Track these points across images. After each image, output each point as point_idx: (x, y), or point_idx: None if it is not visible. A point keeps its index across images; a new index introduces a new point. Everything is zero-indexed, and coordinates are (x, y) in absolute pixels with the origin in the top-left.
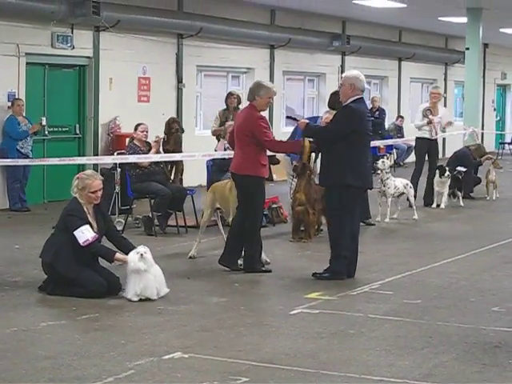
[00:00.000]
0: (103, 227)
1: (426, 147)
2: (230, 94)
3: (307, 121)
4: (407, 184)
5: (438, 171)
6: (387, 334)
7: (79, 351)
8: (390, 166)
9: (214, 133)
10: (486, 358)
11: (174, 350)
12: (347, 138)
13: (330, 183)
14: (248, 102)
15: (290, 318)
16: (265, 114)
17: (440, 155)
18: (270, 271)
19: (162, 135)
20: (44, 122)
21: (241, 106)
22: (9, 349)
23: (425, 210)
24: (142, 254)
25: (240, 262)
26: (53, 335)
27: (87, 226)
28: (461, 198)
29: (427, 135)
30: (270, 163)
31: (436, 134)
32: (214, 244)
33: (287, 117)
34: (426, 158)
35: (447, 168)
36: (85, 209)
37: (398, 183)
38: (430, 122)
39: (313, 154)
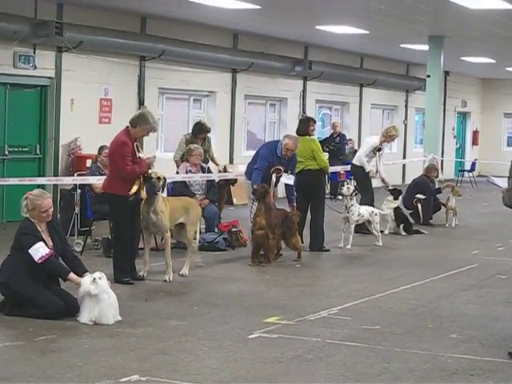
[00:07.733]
0: (58, 244)
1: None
2: (201, 126)
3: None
4: (373, 211)
5: (391, 194)
6: (345, 359)
7: (36, 372)
8: (353, 193)
9: (176, 163)
10: None
11: (131, 372)
12: None
13: None
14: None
15: (248, 342)
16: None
17: (399, 182)
18: (132, 283)
19: None
20: None
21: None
22: None
23: (384, 237)
24: (94, 279)
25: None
26: (9, 356)
27: (41, 243)
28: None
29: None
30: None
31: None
32: (173, 266)
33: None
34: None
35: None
36: (38, 227)
37: (363, 211)
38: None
39: (273, 179)
